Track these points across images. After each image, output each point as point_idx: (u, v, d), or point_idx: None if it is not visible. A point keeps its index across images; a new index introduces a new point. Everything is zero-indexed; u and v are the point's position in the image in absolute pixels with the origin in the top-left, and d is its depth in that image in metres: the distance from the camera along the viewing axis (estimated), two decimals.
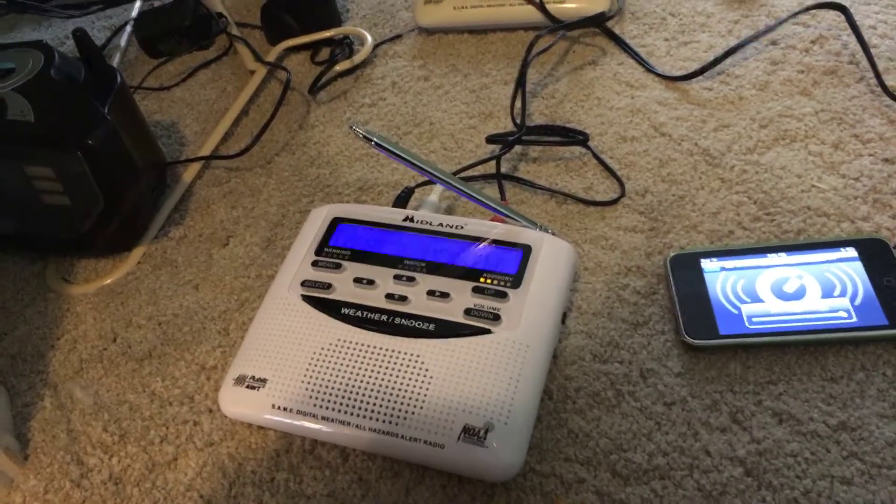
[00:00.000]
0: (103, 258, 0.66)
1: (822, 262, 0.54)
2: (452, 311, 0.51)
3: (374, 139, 0.50)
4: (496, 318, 0.50)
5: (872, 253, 0.54)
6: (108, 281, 0.64)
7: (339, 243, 0.56)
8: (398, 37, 0.84)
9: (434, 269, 0.53)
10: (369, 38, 0.83)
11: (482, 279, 0.52)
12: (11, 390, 0.58)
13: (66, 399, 0.56)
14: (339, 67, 0.80)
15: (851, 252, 0.54)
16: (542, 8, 0.79)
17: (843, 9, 0.71)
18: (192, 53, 0.87)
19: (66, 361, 0.59)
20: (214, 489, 0.50)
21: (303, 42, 0.84)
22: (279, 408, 0.49)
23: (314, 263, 0.55)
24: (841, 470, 0.45)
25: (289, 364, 0.50)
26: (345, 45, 0.83)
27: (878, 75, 0.67)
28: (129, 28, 0.92)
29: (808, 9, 0.74)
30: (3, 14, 1.00)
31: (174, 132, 0.78)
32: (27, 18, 0.99)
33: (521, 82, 0.71)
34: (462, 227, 0.55)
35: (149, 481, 0.51)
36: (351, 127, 0.50)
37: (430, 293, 0.52)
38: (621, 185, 0.64)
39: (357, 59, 0.80)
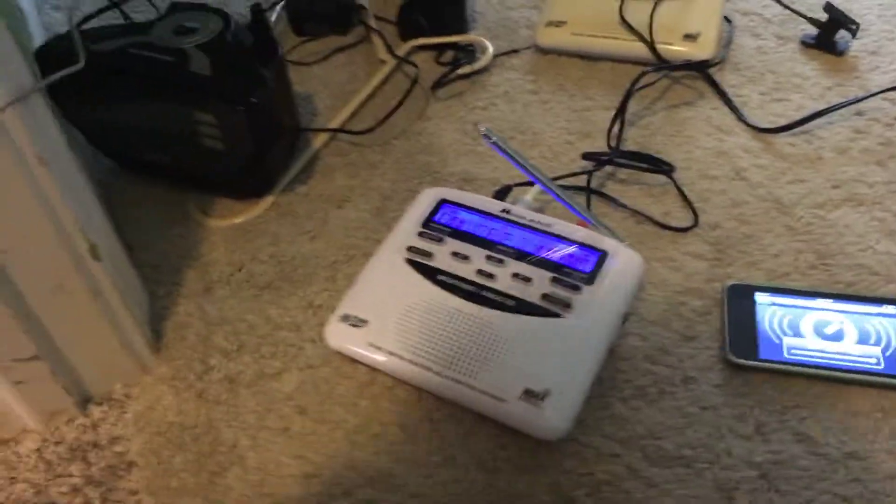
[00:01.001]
0: (238, 200, 0.77)
1: (864, 314, 0.61)
2: (531, 294, 0.59)
3: (494, 138, 0.59)
4: (568, 306, 0.58)
5: None
6: (240, 220, 0.75)
7: (443, 221, 0.65)
8: (516, 51, 0.93)
9: (521, 256, 0.62)
10: (490, 48, 0.92)
11: (561, 272, 0.60)
12: (152, 294, 0.69)
13: (197, 309, 0.67)
14: (460, 71, 0.89)
15: (892, 310, 0.61)
16: (651, 47, 0.87)
17: None
18: (331, 37, 0.98)
19: (200, 279, 0.70)
20: (308, 402, 0.60)
21: (431, 43, 0.94)
22: (374, 346, 0.59)
23: (420, 234, 0.65)
24: (844, 490, 0.52)
25: (387, 312, 0.60)
26: (468, 51, 0.92)
27: None
28: (279, 5, 1.03)
29: None
30: None
31: (309, 103, 0.89)
32: None
33: (621, 109, 0.79)
34: (550, 226, 0.64)
35: (256, 386, 0.61)
36: (476, 125, 0.59)
37: (515, 275, 0.60)
38: (696, 216, 0.71)
39: (477, 65, 0.90)
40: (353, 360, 0.62)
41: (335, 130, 0.84)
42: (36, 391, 0.57)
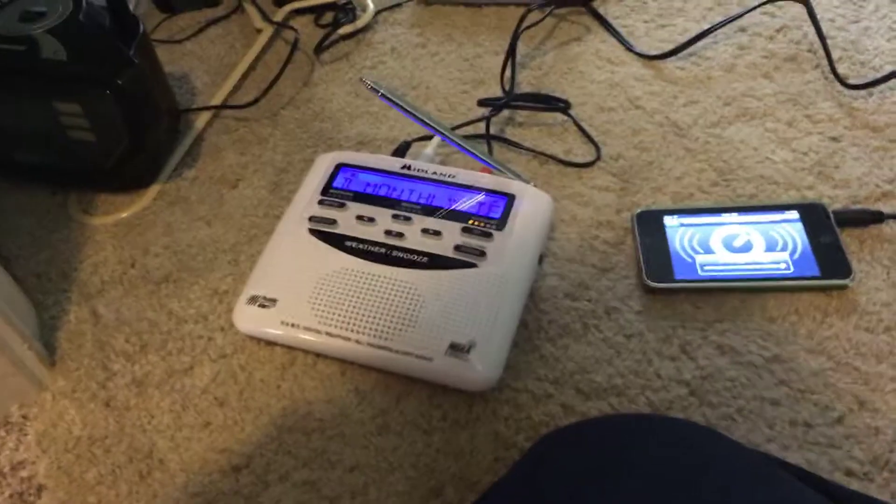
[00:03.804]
0: (121, 193, 0.72)
1: (768, 223, 0.62)
2: (443, 247, 0.58)
3: (381, 91, 0.57)
4: (482, 254, 0.57)
5: (812, 216, 0.61)
6: (126, 214, 0.70)
7: (343, 186, 0.63)
8: (398, 5, 0.90)
9: (428, 211, 0.60)
10: (371, 4, 0.88)
11: (471, 221, 0.59)
12: (38, 305, 0.64)
13: (90, 314, 0.62)
14: (342, 31, 0.85)
15: (794, 214, 0.62)
16: None
17: (805, 2, 0.78)
18: (201, 10, 0.92)
19: (89, 282, 0.65)
20: (227, 393, 0.57)
21: (308, 5, 0.89)
22: (288, 324, 0.56)
23: (320, 202, 0.62)
24: (771, 393, 0.53)
25: (297, 287, 0.57)
26: (348, 10, 0.88)
27: (831, 63, 0.74)
28: None
29: (775, 0, 0.81)
30: None
31: (185, 83, 0.83)
32: None
33: (511, 53, 0.77)
34: (454, 176, 0.62)
35: (168, 384, 0.57)
36: (361, 79, 0.56)
37: (424, 231, 0.58)
38: (597, 149, 0.71)
39: (359, 23, 0.86)
40: (269, 343, 0.59)
41: (218, 107, 0.79)
42: None
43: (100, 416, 0.56)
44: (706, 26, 0.81)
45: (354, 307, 0.55)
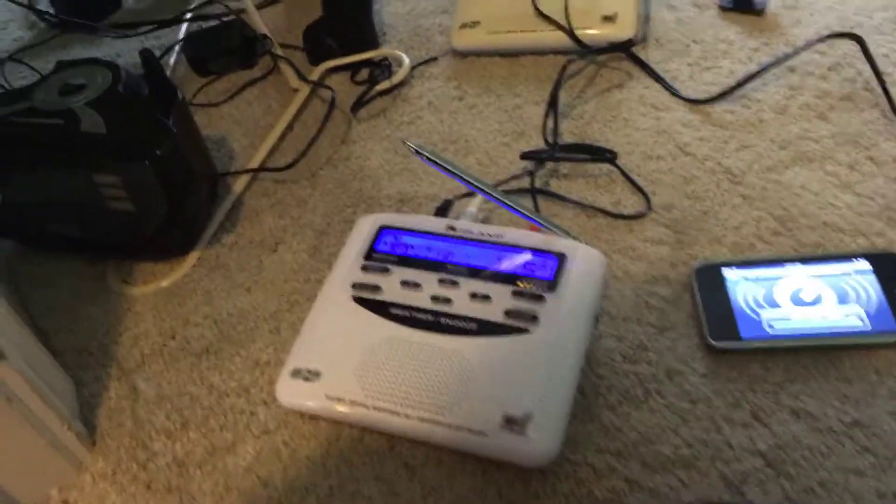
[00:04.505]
0: (160, 262, 0.71)
1: (838, 274, 0.58)
2: (493, 312, 0.55)
3: (426, 153, 0.55)
4: (534, 319, 0.54)
5: (885, 265, 0.57)
6: (165, 283, 0.69)
7: (386, 249, 0.60)
8: (434, 59, 0.89)
9: (475, 273, 0.57)
10: (406, 59, 0.88)
11: (520, 283, 0.56)
12: (77, 381, 0.62)
13: (130, 390, 0.61)
14: (379, 87, 0.84)
15: (865, 265, 0.58)
16: (571, 35, 0.84)
17: (858, 38, 0.75)
18: (237, 72, 0.92)
19: (129, 356, 0.63)
20: (271, 472, 0.54)
21: (343, 63, 0.89)
22: (333, 398, 0.53)
23: (363, 267, 0.59)
24: (854, 462, 0.49)
25: (342, 358, 0.55)
26: (383, 67, 0.88)
27: (890, 101, 0.71)
28: (177, 48, 0.97)
29: (825, 38, 0.78)
30: (57, 34, 1.06)
31: (223, 146, 0.83)
32: (78, 38, 1.05)
33: (553, 103, 0.75)
34: (501, 236, 0.59)
35: (210, 464, 0.55)
36: (403, 141, 0.54)
37: (473, 295, 0.56)
38: (647, 200, 0.68)
39: (395, 79, 0.85)
40: (313, 417, 0.56)
41: (256, 171, 0.78)
42: None
43: (140, 501, 0.54)
44: (753, 67, 0.78)
45: (402, 379, 0.53)
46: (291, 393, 0.55)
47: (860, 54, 0.75)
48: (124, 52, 1.00)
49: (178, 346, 0.63)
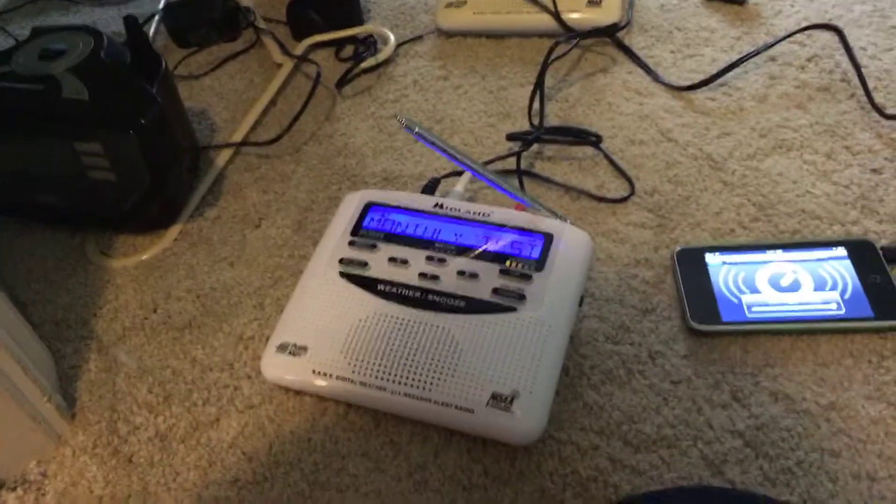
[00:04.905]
0: (141, 235, 0.69)
1: (816, 260, 0.59)
2: (481, 291, 0.55)
3: (417, 129, 0.55)
4: (521, 297, 0.54)
5: (860, 253, 0.59)
6: (146, 256, 0.68)
7: (374, 226, 0.60)
8: (419, 38, 0.89)
9: (463, 251, 0.57)
10: (392, 37, 0.87)
11: (508, 262, 0.56)
12: (57, 353, 0.61)
13: (111, 363, 0.60)
14: (364, 65, 0.84)
15: (842, 252, 0.59)
16: (557, 18, 0.84)
17: (837, 30, 0.77)
18: (219, 45, 0.91)
19: (109, 329, 0.63)
20: (256, 447, 0.54)
21: (328, 39, 0.88)
22: (319, 373, 0.53)
23: (351, 243, 0.59)
24: (830, 443, 0.50)
25: (328, 334, 0.54)
26: (369, 44, 0.87)
27: (867, 93, 0.72)
28: (157, 18, 0.95)
29: (804, 29, 0.79)
30: (33, 0, 1.03)
31: (204, 119, 0.82)
32: (55, 4, 1.02)
33: (539, 84, 0.75)
34: (488, 215, 0.60)
35: (193, 438, 0.55)
36: (395, 116, 0.54)
37: (460, 273, 0.56)
38: (631, 184, 0.69)
39: (381, 56, 0.85)
40: (299, 392, 0.56)
41: (239, 144, 0.77)
42: None
43: (122, 474, 0.53)
44: (734, 56, 0.79)
45: (389, 355, 0.53)
46: (277, 367, 0.55)
47: (839, 46, 0.77)
48: (102, 21, 0.98)
49: (160, 320, 0.63)
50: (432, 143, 0.57)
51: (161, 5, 0.97)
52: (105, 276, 0.67)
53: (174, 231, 0.69)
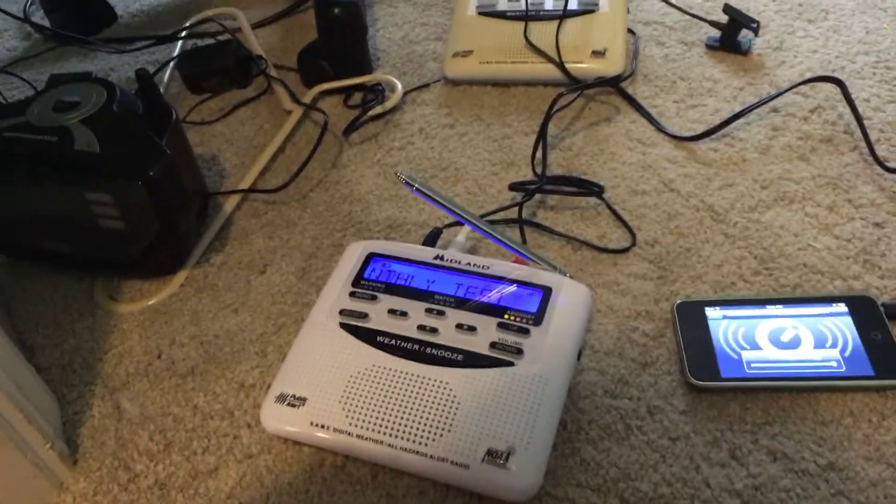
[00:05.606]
0: (148, 280, 0.71)
1: (816, 316, 0.59)
2: (479, 344, 0.56)
3: (416, 185, 0.56)
4: (519, 352, 0.55)
5: (861, 309, 0.59)
6: (153, 301, 0.69)
7: (375, 276, 0.61)
8: (426, 86, 0.90)
9: (462, 304, 0.58)
10: (399, 85, 0.89)
11: (506, 316, 0.57)
12: (62, 399, 0.62)
13: (114, 409, 0.61)
14: (371, 112, 0.85)
15: (842, 308, 0.59)
16: (561, 68, 0.85)
17: (839, 82, 0.77)
18: (231, 92, 0.93)
19: (114, 374, 0.63)
20: (253, 497, 0.54)
21: (337, 86, 0.90)
22: (318, 425, 0.54)
23: (351, 294, 0.60)
24: None
25: (327, 385, 0.55)
26: (376, 91, 0.89)
27: (870, 145, 0.73)
28: (171, 65, 0.97)
29: (807, 81, 0.80)
30: (53, 47, 1.06)
31: (214, 164, 0.83)
32: (73, 51, 1.05)
33: (542, 134, 0.77)
34: (488, 268, 0.60)
35: (192, 488, 0.55)
36: (396, 173, 0.55)
37: (459, 326, 0.57)
38: (632, 235, 0.69)
39: (388, 104, 0.86)
40: (297, 442, 0.57)
41: (246, 191, 0.78)
42: None
43: None
44: (738, 107, 0.80)
45: (387, 408, 0.53)
46: (276, 418, 0.55)
47: (841, 97, 0.77)
48: (118, 66, 1.01)
49: (164, 366, 0.64)
50: (432, 199, 0.57)
51: (176, 53, 0.99)
52: (112, 321, 0.68)
53: (181, 277, 0.71)
